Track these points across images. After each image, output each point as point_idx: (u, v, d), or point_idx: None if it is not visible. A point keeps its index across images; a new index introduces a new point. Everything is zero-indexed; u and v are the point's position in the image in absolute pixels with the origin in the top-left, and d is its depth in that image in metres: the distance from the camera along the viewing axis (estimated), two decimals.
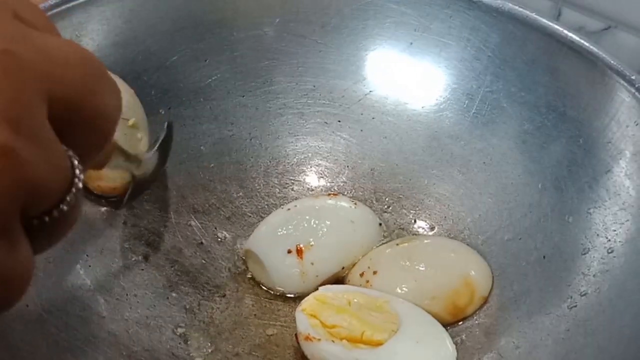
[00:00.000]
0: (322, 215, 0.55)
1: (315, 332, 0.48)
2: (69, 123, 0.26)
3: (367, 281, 0.52)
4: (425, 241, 0.55)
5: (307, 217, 0.55)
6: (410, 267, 0.52)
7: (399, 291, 0.51)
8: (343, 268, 0.55)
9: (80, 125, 0.27)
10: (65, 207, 0.26)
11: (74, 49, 0.27)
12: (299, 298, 0.53)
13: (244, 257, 0.56)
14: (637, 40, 0.60)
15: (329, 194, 0.59)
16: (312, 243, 0.54)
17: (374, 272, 0.52)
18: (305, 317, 0.49)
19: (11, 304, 0.26)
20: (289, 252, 0.54)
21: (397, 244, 0.54)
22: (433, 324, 0.50)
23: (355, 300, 0.50)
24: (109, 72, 0.30)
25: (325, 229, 0.55)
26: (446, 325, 0.51)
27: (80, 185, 0.27)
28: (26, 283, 0.26)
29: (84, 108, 0.27)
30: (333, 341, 0.48)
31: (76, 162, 0.27)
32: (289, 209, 0.56)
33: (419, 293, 0.51)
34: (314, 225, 0.55)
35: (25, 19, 0.27)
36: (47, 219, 0.26)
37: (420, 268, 0.52)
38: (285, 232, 0.55)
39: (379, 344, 0.47)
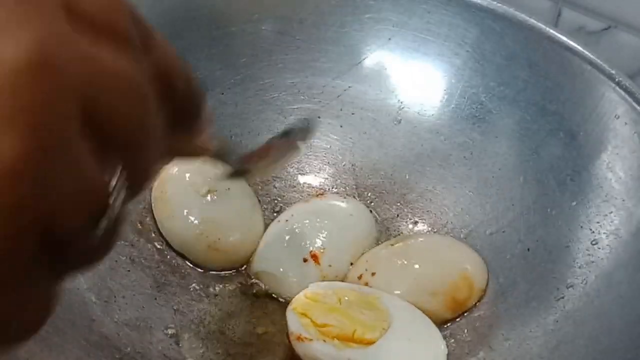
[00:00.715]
0: (321, 216, 0.55)
1: (307, 331, 0.48)
2: (111, 141, 0.24)
3: (366, 283, 0.52)
4: (420, 239, 0.55)
5: (307, 222, 0.55)
6: (408, 266, 0.52)
7: (399, 291, 0.51)
8: (351, 264, 0.55)
9: (125, 148, 0.25)
10: (95, 234, 0.24)
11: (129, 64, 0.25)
12: None
13: (255, 279, 0.55)
14: (637, 40, 0.61)
15: (317, 195, 0.59)
16: (324, 246, 0.54)
17: (372, 274, 0.52)
18: (296, 317, 0.49)
19: (26, 338, 0.24)
20: (305, 260, 0.54)
21: (392, 244, 0.54)
22: (424, 320, 0.50)
23: (346, 297, 0.50)
24: None
25: (330, 229, 0.55)
26: (446, 321, 0.51)
27: (117, 210, 0.25)
28: (45, 316, 0.24)
29: (129, 129, 0.24)
30: (324, 341, 0.48)
31: (115, 185, 0.25)
32: (286, 220, 0.56)
33: (418, 291, 0.51)
34: (318, 229, 0.55)
35: (85, 13, 0.24)
36: (73, 244, 0.24)
37: (418, 266, 0.52)
38: (292, 242, 0.54)
39: (370, 342, 0.47)
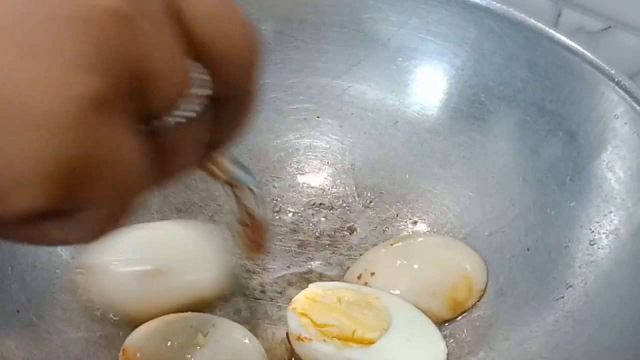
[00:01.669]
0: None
1: (307, 331, 0.48)
2: (197, 47, 0.25)
3: (365, 283, 0.52)
4: (419, 239, 0.55)
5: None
6: (407, 266, 0.52)
7: (398, 291, 0.51)
8: None
9: (217, 63, 0.25)
10: (179, 116, 0.24)
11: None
12: (287, 298, 0.53)
13: None
14: (637, 40, 0.61)
15: None
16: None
17: (372, 274, 0.52)
18: (296, 317, 0.49)
19: (125, 202, 0.24)
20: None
21: (392, 244, 0.54)
22: (424, 320, 0.50)
23: (346, 297, 0.50)
24: None
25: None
26: (446, 321, 0.52)
27: (201, 98, 0.25)
28: (134, 180, 0.23)
29: (215, 34, 0.25)
30: (324, 340, 0.48)
31: (205, 79, 0.25)
32: None
33: (418, 291, 0.51)
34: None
35: None
36: (165, 122, 0.24)
37: (417, 266, 0.52)
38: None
39: (370, 342, 0.47)
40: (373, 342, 0.47)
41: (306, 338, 0.48)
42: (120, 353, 0.47)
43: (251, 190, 0.39)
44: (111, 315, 0.50)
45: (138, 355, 0.46)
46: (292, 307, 0.50)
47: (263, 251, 0.42)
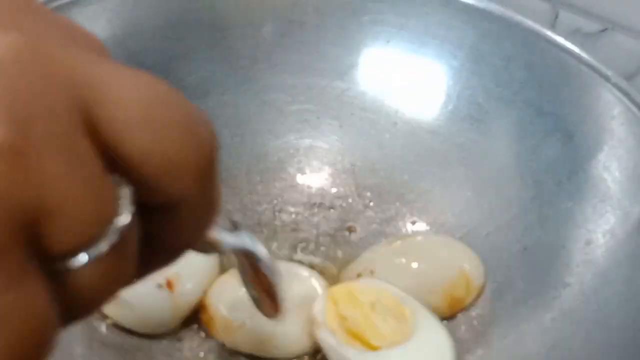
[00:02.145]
0: None
1: (324, 317, 0.49)
2: (129, 158, 0.20)
3: None
4: (418, 238, 0.56)
5: None
6: (406, 265, 0.53)
7: (397, 289, 0.52)
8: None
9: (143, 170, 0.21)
10: (95, 253, 0.20)
11: (140, 79, 0.21)
12: None
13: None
14: (633, 41, 0.62)
15: None
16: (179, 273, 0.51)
17: (371, 272, 0.53)
18: (325, 301, 0.50)
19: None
20: (160, 286, 0.51)
21: (391, 243, 0.55)
22: (446, 352, 0.49)
23: (383, 301, 0.50)
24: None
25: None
26: (444, 319, 0.52)
27: (124, 230, 0.20)
28: (43, 334, 0.19)
29: (144, 144, 0.20)
30: (334, 330, 0.48)
31: (125, 200, 0.20)
32: None
33: (416, 289, 0.52)
34: None
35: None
36: (70, 264, 0.19)
37: (416, 264, 0.53)
38: None
39: (373, 348, 0.48)
40: (376, 350, 0.48)
41: (320, 322, 0.49)
42: (200, 311, 0.51)
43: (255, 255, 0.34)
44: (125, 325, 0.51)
45: (218, 310, 0.50)
46: (331, 291, 0.51)
47: (280, 311, 0.40)
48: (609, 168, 0.52)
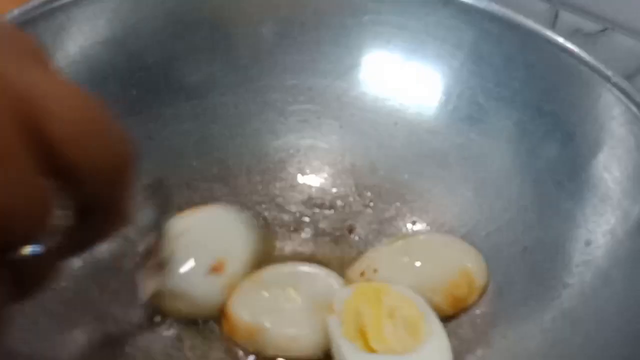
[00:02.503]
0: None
1: (339, 306, 0.49)
2: (63, 166, 0.24)
3: (368, 280, 0.53)
4: (421, 237, 0.56)
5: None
6: (409, 263, 0.53)
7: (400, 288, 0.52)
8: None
9: (79, 173, 0.24)
10: (31, 250, 0.23)
11: (71, 90, 0.24)
12: None
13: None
14: (633, 42, 0.62)
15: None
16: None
17: (374, 270, 0.53)
18: (349, 291, 0.50)
19: None
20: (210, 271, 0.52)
21: (393, 242, 0.55)
22: None
23: (402, 311, 0.49)
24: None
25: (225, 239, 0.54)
26: (447, 318, 0.52)
27: (57, 228, 0.24)
28: None
29: (77, 153, 0.24)
30: (341, 320, 0.48)
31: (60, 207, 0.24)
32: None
33: (419, 288, 0.51)
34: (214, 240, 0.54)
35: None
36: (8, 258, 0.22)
37: (419, 263, 0.53)
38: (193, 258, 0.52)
39: (371, 350, 0.48)
40: (372, 352, 0.48)
41: (332, 311, 0.49)
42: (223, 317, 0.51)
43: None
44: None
45: (241, 317, 0.50)
46: (360, 284, 0.51)
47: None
48: (609, 168, 0.52)
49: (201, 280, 0.52)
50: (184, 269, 0.51)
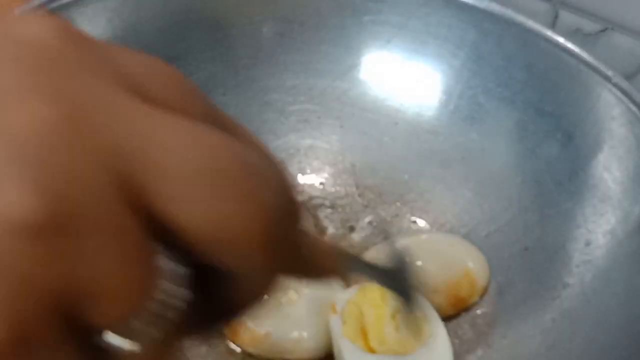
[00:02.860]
0: None
1: (341, 306, 0.49)
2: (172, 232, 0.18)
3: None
4: (423, 237, 0.56)
5: None
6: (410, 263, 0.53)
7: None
8: None
9: (193, 241, 0.19)
10: (126, 331, 0.18)
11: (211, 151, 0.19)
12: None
13: None
14: (633, 42, 0.62)
15: None
16: None
17: None
18: (352, 291, 0.50)
19: None
20: None
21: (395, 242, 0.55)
22: None
23: (408, 314, 0.49)
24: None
25: None
26: (448, 318, 0.52)
27: (162, 305, 0.18)
28: None
29: (185, 218, 0.18)
30: (343, 319, 0.49)
31: (167, 274, 0.19)
32: None
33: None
34: None
35: (152, 97, 0.19)
36: (102, 340, 0.18)
37: (420, 263, 0.53)
38: None
39: (370, 350, 0.48)
40: (372, 352, 0.48)
41: (334, 310, 0.49)
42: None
43: None
44: None
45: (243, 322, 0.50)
46: (365, 285, 0.51)
47: None
48: (609, 168, 0.52)
49: None
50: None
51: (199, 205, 0.18)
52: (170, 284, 0.19)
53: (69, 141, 0.17)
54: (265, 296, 0.22)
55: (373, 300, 0.49)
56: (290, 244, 0.21)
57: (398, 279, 0.28)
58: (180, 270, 0.19)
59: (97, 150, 0.17)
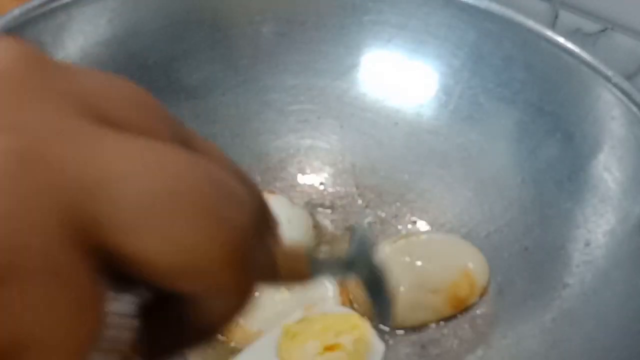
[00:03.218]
0: None
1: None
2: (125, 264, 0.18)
3: None
4: (422, 237, 0.56)
5: None
6: (411, 263, 0.53)
7: (402, 287, 0.52)
8: None
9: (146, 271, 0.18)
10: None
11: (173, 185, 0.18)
12: None
13: None
14: (633, 41, 0.62)
15: (268, 191, 0.59)
16: None
17: None
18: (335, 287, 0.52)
19: None
20: None
21: (395, 242, 0.55)
22: None
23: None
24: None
25: None
26: (448, 318, 0.52)
27: (112, 340, 0.18)
28: None
29: (141, 248, 0.18)
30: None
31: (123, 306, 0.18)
32: None
33: (420, 288, 0.52)
34: None
35: (120, 123, 0.19)
36: None
37: (420, 263, 0.53)
38: None
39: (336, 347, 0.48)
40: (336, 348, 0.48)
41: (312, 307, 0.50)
42: None
43: None
44: None
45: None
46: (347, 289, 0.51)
47: None
48: (609, 168, 0.52)
49: None
50: None
51: (154, 235, 0.17)
52: (122, 318, 0.18)
53: (19, 178, 0.16)
54: (237, 315, 0.21)
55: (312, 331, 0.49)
56: (261, 257, 0.21)
57: (363, 266, 0.27)
58: (136, 300, 0.18)
59: (48, 186, 0.17)
